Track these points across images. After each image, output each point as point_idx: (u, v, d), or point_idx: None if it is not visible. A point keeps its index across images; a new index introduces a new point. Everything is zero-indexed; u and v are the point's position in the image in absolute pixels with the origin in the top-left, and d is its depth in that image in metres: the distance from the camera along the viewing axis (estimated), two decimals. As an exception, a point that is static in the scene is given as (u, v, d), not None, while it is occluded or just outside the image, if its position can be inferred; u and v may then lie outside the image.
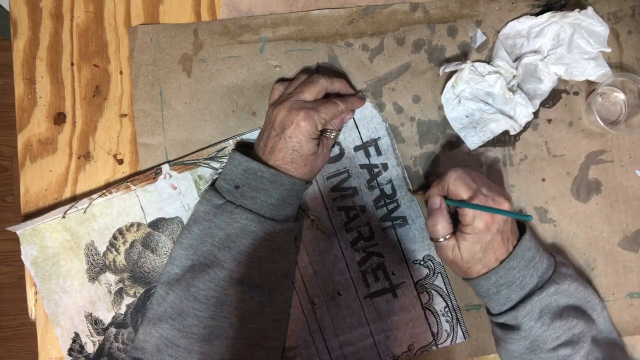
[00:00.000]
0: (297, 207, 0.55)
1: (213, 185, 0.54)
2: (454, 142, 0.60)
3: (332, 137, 0.55)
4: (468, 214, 0.49)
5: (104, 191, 0.57)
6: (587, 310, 0.54)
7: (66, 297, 0.57)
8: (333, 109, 0.52)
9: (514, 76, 0.58)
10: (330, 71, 0.60)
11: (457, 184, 0.50)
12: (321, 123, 0.51)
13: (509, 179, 0.60)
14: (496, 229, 0.49)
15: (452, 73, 0.59)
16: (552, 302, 0.51)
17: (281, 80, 0.60)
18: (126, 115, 0.60)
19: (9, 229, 0.57)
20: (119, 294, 0.58)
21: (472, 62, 0.58)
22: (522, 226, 0.54)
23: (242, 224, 0.50)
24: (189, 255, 0.51)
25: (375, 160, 0.59)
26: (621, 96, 0.61)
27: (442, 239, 0.51)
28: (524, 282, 0.50)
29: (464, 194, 0.49)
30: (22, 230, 0.57)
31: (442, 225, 0.51)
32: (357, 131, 0.59)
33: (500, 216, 0.49)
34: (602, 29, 0.58)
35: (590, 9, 0.57)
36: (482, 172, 0.60)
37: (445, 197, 0.51)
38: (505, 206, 0.49)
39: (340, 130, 0.58)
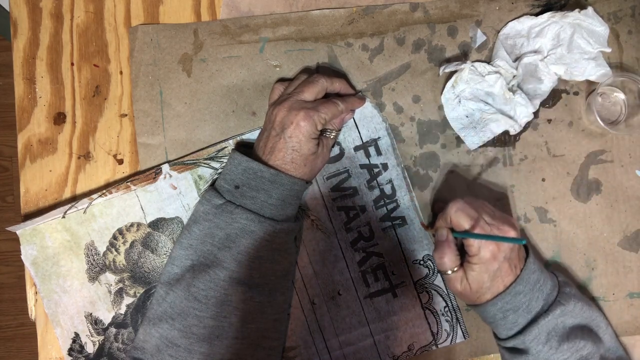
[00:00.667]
0: (297, 207, 0.55)
1: (213, 185, 0.54)
2: (454, 142, 0.60)
3: (332, 137, 0.55)
4: (473, 244, 0.48)
5: (104, 191, 0.57)
6: (593, 329, 0.53)
7: (66, 297, 0.57)
8: (333, 109, 0.52)
9: (514, 76, 0.58)
10: (330, 71, 0.60)
11: (459, 215, 0.50)
12: (321, 123, 0.51)
13: (509, 179, 0.60)
14: (503, 257, 0.48)
15: (452, 73, 0.59)
16: (558, 324, 0.50)
17: (281, 80, 0.60)
18: (126, 115, 0.60)
19: (9, 229, 0.57)
20: (119, 294, 0.58)
21: (472, 62, 0.58)
22: (524, 247, 0.54)
23: (242, 223, 0.50)
24: (189, 255, 0.51)
25: (375, 160, 0.59)
26: (621, 96, 0.61)
27: (450, 272, 0.51)
28: (530, 305, 0.50)
29: (465, 224, 0.49)
30: (22, 230, 0.57)
31: (449, 258, 0.50)
32: (357, 131, 0.59)
33: (507, 244, 0.48)
34: (602, 29, 0.58)
35: (590, 9, 0.57)
36: (482, 172, 0.60)
37: (452, 230, 0.51)
38: (511, 234, 0.48)
39: (340, 130, 0.58)
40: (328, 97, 0.55)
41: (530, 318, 0.50)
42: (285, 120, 0.50)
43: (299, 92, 0.52)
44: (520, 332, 0.50)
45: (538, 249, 0.60)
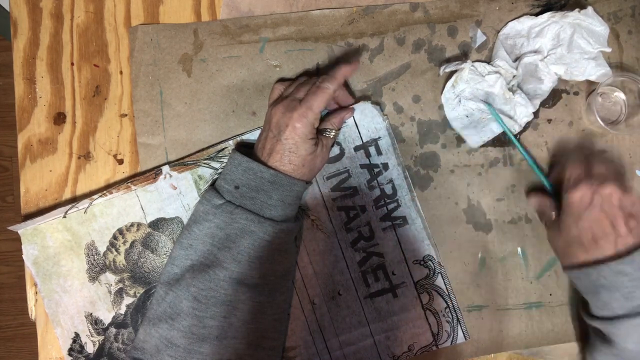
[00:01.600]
0: (297, 207, 0.55)
1: (213, 185, 0.54)
2: (455, 142, 0.60)
3: (331, 136, 0.55)
4: (564, 184, 0.50)
5: (105, 191, 0.57)
6: None
7: (66, 297, 0.57)
8: (324, 96, 0.51)
9: (514, 76, 0.58)
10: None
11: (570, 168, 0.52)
12: (316, 119, 0.51)
13: (509, 179, 0.60)
14: (598, 204, 0.45)
15: (452, 73, 0.59)
16: None
17: (281, 80, 0.60)
18: (126, 115, 0.60)
19: (11, 228, 0.57)
20: (119, 294, 0.58)
21: (472, 62, 0.58)
22: None
23: (242, 224, 0.50)
24: (189, 255, 0.51)
25: (376, 160, 0.59)
26: (621, 96, 0.61)
27: (549, 219, 0.53)
28: (633, 294, 0.42)
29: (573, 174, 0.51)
30: (24, 230, 0.57)
31: (544, 204, 0.54)
32: (357, 131, 0.59)
33: (602, 191, 0.46)
34: (602, 28, 0.58)
35: (590, 9, 0.57)
36: (482, 172, 0.60)
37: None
38: (611, 186, 0.47)
39: (339, 129, 0.58)
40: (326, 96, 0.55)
41: (630, 309, 0.42)
42: (281, 122, 0.50)
43: (296, 92, 0.52)
44: (611, 318, 0.43)
45: (539, 249, 0.60)
